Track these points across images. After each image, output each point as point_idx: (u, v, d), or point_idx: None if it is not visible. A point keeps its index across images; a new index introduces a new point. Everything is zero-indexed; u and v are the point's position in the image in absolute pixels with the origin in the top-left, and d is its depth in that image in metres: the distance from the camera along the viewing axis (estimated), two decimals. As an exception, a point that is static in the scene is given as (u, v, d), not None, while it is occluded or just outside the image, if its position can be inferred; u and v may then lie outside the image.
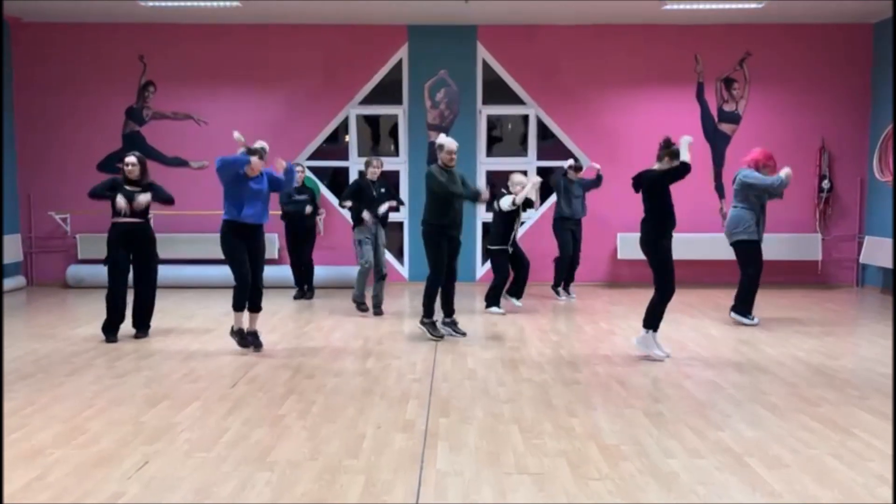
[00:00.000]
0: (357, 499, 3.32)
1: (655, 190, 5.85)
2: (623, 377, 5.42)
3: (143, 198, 6.52)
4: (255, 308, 6.18)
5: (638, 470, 3.65)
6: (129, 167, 6.52)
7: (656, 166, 5.97)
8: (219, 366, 5.74)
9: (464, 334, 6.82)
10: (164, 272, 9.57)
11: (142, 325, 6.72)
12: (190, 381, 5.27)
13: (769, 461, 3.76)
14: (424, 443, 4.03)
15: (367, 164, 8.02)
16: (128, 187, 6.50)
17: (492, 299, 8.11)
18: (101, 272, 6.50)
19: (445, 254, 6.67)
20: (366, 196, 7.83)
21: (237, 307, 6.10)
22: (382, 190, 7.98)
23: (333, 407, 4.68)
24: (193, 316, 7.86)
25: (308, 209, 8.83)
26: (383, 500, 3.31)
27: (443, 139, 6.77)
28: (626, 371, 5.61)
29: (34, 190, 10.23)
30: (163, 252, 9.87)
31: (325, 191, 10.35)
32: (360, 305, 7.89)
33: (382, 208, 7.86)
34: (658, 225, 5.85)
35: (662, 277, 5.84)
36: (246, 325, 6.20)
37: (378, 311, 7.88)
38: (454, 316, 6.95)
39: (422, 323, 6.77)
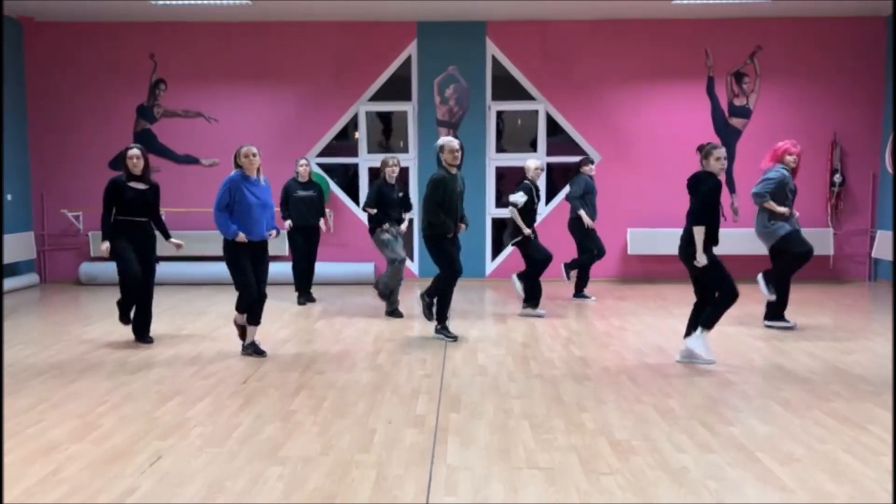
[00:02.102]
0: (368, 493, 3.34)
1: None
2: (634, 373, 5.41)
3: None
4: (255, 321, 5.95)
5: (648, 465, 3.64)
6: (134, 160, 6.16)
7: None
8: (230, 362, 5.77)
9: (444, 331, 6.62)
10: (174, 269, 9.72)
11: (143, 332, 6.41)
12: (201, 378, 5.30)
13: (781, 457, 3.75)
14: (435, 438, 4.04)
15: (384, 165, 7.56)
16: (131, 184, 6.15)
17: (529, 296, 7.63)
18: (114, 269, 6.37)
19: (454, 251, 6.50)
20: (388, 201, 7.48)
21: (248, 318, 5.90)
22: (400, 194, 7.69)
23: (344, 403, 4.70)
24: (204, 313, 7.90)
25: (323, 226, 8.43)
26: (394, 495, 3.32)
27: (442, 139, 6.56)
28: (636, 367, 5.59)
29: (47, 188, 10.31)
30: (171, 249, 9.99)
31: (334, 188, 10.38)
32: (387, 297, 7.54)
33: (403, 227, 7.66)
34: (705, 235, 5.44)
35: (720, 286, 5.47)
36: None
37: (396, 314, 7.64)
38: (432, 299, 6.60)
39: (437, 331, 6.55)
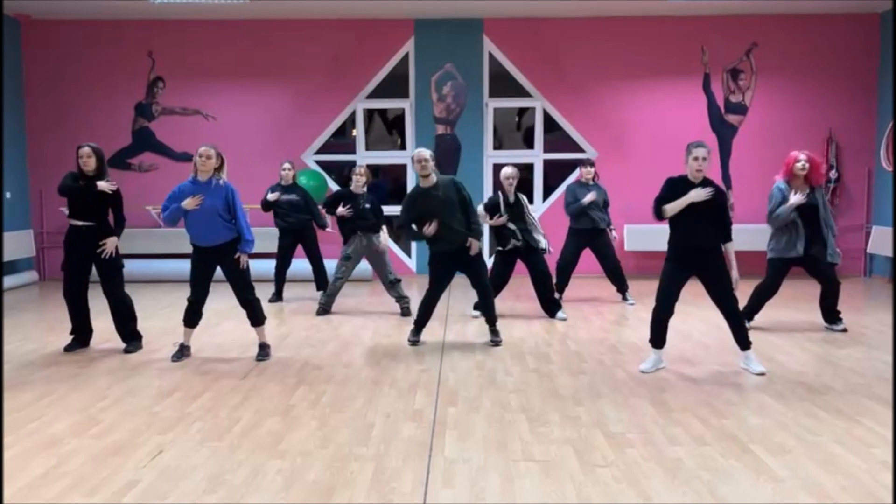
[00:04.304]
0: (367, 486, 3.39)
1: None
2: (629, 367, 5.47)
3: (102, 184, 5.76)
4: (253, 324, 5.82)
5: (643, 457, 3.69)
6: (84, 158, 5.75)
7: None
8: (229, 357, 5.81)
9: (496, 344, 6.19)
10: (172, 267, 9.76)
11: (123, 338, 6.10)
12: (201, 373, 5.35)
13: (774, 448, 3.80)
14: (433, 431, 4.09)
15: (350, 173, 7.51)
16: (82, 183, 5.80)
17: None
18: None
19: (443, 273, 6.19)
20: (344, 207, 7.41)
21: (251, 321, 5.81)
22: (367, 205, 7.39)
23: (343, 397, 4.74)
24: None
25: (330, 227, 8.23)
26: (392, 487, 3.37)
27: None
28: (632, 361, 5.64)
29: (46, 186, 10.32)
30: (170, 247, 10.10)
31: (331, 185, 10.41)
32: (323, 308, 7.57)
33: (383, 238, 7.38)
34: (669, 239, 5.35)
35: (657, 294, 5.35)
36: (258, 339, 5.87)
37: (407, 312, 7.46)
38: (496, 325, 6.32)
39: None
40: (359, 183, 7.46)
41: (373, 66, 10.27)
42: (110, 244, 5.87)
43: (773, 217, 6.39)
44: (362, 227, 7.43)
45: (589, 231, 7.92)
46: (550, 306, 7.38)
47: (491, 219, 7.08)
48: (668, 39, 10.14)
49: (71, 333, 6.14)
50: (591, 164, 8.06)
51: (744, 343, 5.36)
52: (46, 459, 3.70)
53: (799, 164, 6.35)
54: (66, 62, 10.24)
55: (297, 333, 6.74)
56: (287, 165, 8.32)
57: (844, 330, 6.66)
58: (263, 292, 6.05)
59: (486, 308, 6.31)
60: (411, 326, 6.40)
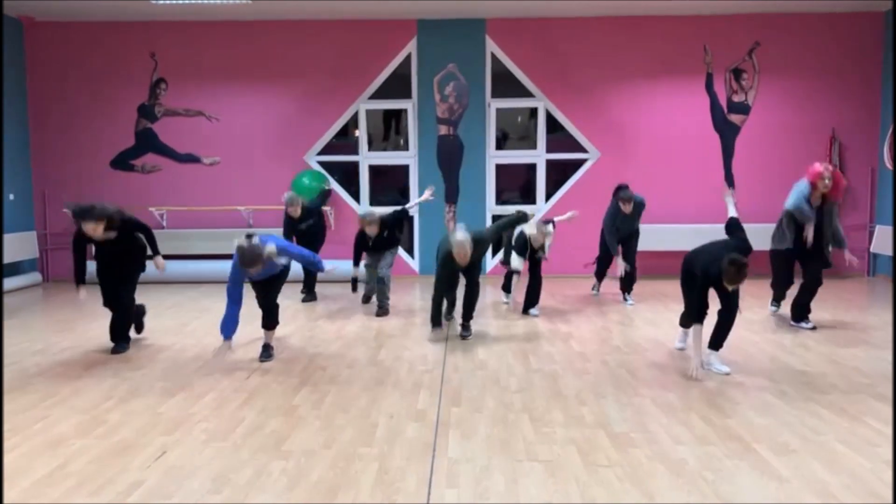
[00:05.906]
0: (370, 486, 3.39)
1: None
2: (633, 367, 5.47)
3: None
4: (265, 326, 5.88)
5: (647, 457, 3.69)
6: (90, 233, 5.90)
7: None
8: (233, 358, 5.81)
9: (464, 338, 6.46)
10: (178, 268, 9.79)
11: (112, 337, 6.14)
12: (205, 374, 5.36)
13: (777, 447, 3.80)
14: (436, 431, 4.09)
15: (360, 221, 7.65)
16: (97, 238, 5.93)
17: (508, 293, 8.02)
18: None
19: (450, 275, 6.48)
20: (363, 249, 7.73)
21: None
22: (385, 233, 7.61)
23: (346, 397, 4.75)
24: (208, 310, 7.95)
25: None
26: (396, 487, 3.38)
27: (454, 236, 6.27)
28: (636, 361, 5.65)
29: (49, 187, 10.36)
30: (177, 248, 10.13)
31: (335, 185, 10.42)
32: (382, 309, 7.65)
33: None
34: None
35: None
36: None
37: (383, 313, 7.62)
38: (469, 322, 6.59)
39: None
40: (372, 234, 7.57)
41: (375, 66, 10.27)
42: (160, 263, 6.26)
43: (794, 209, 6.65)
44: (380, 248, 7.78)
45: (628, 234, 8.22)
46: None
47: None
48: (671, 39, 10.13)
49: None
50: (629, 200, 7.99)
51: (717, 344, 5.41)
52: (52, 459, 3.72)
53: (823, 182, 6.53)
54: (69, 63, 10.27)
55: (300, 334, 6.75)
56: (290, 202, 8.11)
57: (814, 328, 6.72)
58: (285, 292, 6.13)
59: (469, 304, 6.54)
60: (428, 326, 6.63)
